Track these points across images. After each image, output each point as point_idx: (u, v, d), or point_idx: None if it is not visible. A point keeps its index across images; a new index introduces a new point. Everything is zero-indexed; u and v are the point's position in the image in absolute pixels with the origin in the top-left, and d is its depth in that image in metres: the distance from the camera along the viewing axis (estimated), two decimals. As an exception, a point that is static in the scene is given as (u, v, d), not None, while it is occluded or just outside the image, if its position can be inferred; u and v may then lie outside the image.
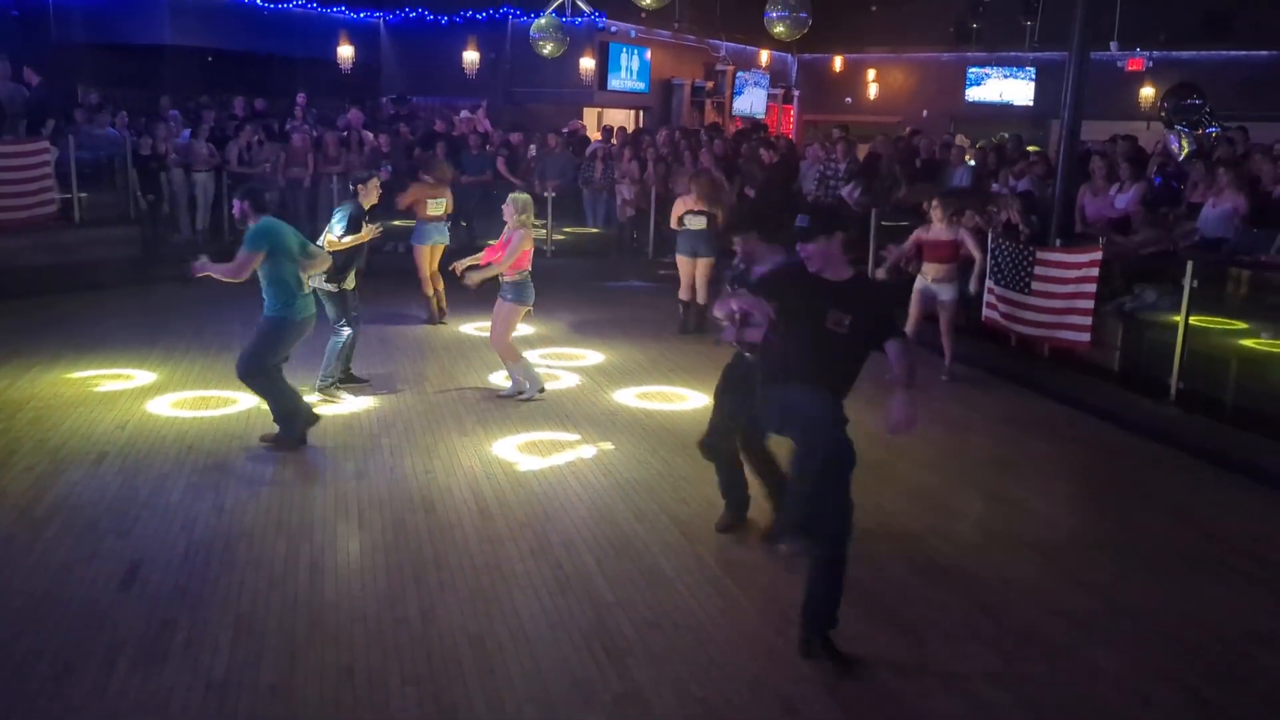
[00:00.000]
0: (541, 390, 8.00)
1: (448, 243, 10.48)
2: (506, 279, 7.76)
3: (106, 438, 6.76)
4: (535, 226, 8.00)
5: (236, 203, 6.68)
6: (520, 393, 7.95)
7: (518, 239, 7.64)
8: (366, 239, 7.87)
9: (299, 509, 5.79)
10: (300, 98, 15.57)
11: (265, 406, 6.75)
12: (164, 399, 7.66)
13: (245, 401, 7.59)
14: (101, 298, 10.97)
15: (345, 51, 17.25)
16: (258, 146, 13.74)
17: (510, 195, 7.95)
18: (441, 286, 10.37)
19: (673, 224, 10.28)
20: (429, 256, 10.32)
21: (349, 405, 7.67)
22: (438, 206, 10.31)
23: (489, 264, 7.78)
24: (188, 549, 5.17)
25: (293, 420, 6.68)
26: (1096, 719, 4.05)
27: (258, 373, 6.58)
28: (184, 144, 13.40)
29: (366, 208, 7.97)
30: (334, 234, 7.73)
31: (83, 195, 12.09)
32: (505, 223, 7.80)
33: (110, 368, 8.40)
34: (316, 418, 6.86)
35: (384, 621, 4.52)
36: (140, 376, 8.22)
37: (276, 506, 5.81)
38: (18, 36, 15.78)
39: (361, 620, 4.52)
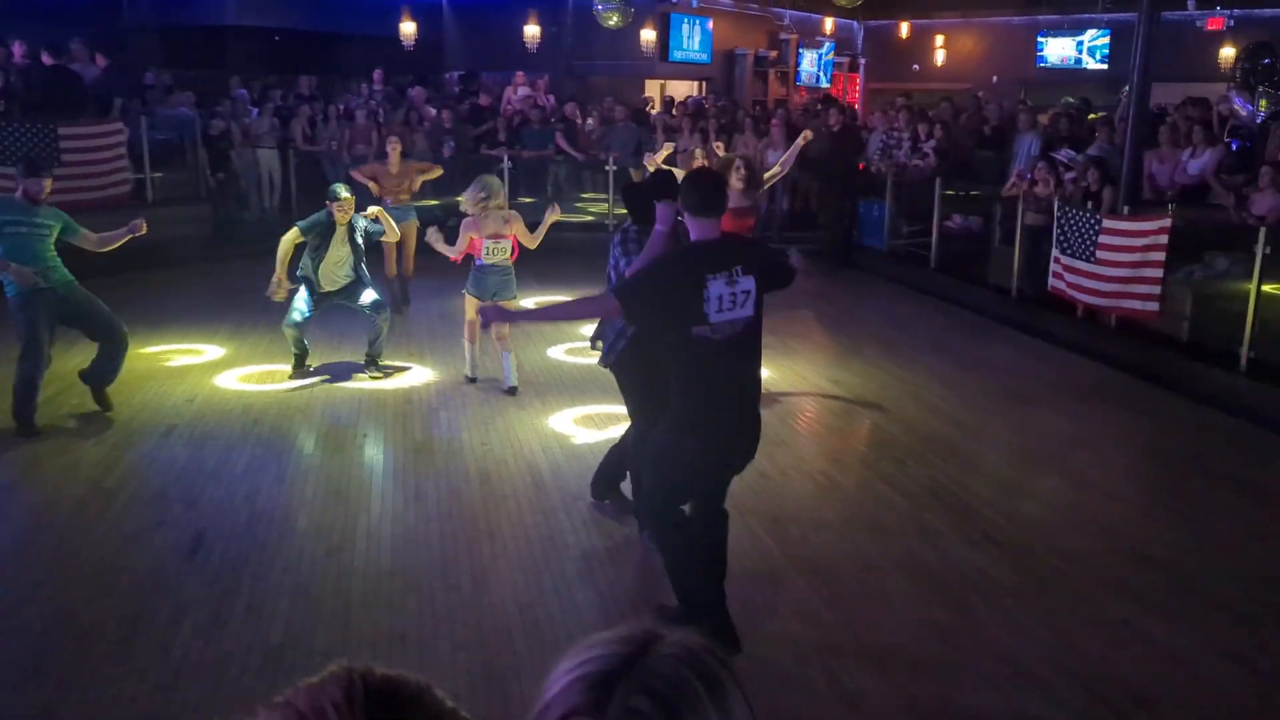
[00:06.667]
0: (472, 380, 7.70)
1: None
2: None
3: (176, 411, 6.97)
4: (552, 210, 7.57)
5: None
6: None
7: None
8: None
9: (358, 480, 5.92)
10: (377, 74, 15.72)
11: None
12: (231, 373, 7.85)
13: (308, 376, 7.76)
14: (174, 275, 11.26)
15: (408, 28, 17.31)
16: (322, 124, 13.93)
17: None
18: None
19: None
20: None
21: (408, 379, 7.79)
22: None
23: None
24: (250, 518, 5.31)
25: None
26: (1154, 693, 3.97)
27: None
28: (251, 123, 13.66)
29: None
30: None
31: (156, 175, 12.37)
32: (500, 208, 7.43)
33: (181, 343, 8.63)
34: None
35: (436, 590, 4.61)
36: (210, 351, 8.44)
37: (336, 478, 5.95)
38: (90, 21, 16.18)
39: (415, 589, 4.61)
